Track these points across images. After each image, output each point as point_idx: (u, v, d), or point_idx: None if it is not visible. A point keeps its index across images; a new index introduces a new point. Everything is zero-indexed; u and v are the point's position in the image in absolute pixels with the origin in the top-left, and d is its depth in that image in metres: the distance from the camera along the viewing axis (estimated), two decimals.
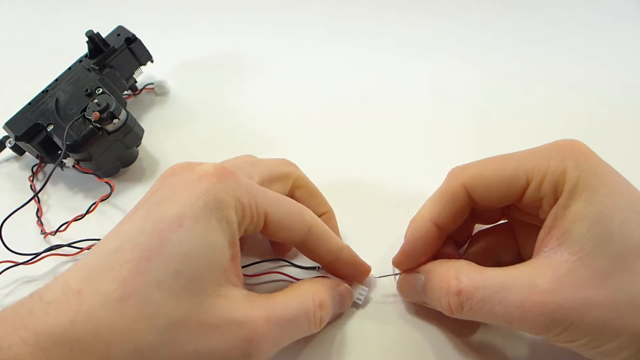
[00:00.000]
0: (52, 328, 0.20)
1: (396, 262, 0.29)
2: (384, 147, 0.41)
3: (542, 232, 0.25)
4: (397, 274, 0.30)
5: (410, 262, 0.29)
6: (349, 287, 0.30)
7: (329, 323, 0.29)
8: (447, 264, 0.27)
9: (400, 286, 0.30)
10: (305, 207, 0.28)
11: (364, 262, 0.31)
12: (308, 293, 0.27)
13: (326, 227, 0.29)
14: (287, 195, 0.29)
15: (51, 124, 0.37)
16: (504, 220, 0.30)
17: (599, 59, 0.48)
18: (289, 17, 0.55)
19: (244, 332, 0.23)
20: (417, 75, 0.47)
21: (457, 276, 0.25)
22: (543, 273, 0.23)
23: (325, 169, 0.36)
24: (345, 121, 0.44)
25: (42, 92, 0.40)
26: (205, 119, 0.45)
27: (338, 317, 0.31)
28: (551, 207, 0.24)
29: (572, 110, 0.43)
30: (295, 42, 0.52)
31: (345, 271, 0.30)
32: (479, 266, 0.25)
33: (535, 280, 0.23)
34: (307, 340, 0.30)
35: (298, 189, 0.32)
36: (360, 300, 0.31)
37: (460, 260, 0.27)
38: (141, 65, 0.45)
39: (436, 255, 0.29)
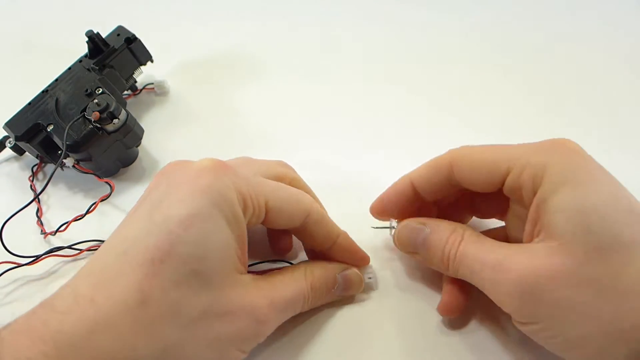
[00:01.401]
0: (71, 339, 0.21)
1: (372, 207, 0.31)
2: (383, 149, 0.41)
3: (527, 226, 0.25)
4: (393, 227, 0.31)
5: (382, 210, 0.31)
6: (356, 272, 0.30)
7: (337, 303, 0.31)
8: (452, 222, 0.29)
9: (400, 235, 0.30)
10: (303, 192, 0.29)
11: (362, 250, 0.31)
12: (302, 275, 0.28)
13: (324, 212, 0.30)
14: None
15: (51, 124, 0.37)
16: (499, 219, 0.31)
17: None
18: (289, 17, 0.55)
19: (255, 315, 0.25)
20: (416, 75, 0.47)
21: (464, 232, 0.27)
22: (525, 251, 0.24)
23: (324, 169, 0.36)
24: (346, 121, 0.44)
25: (42, 92, 0.40)
26: (205, 119, 0.45)
27: (348, 300, 0.31)
28: (530, 199, 0.25)
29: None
30: (294, 42, 0.52)
31: (344, 258, 0.30)
32: (481, 235, 0.27)
33: (518, 256, 0.24)
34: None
35: None
36: (371, 279, 0.31)
37: (464, 224, 0.28)
38: (141, 65, 0.45)
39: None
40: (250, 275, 0.26)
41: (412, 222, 0.29)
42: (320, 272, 0.29)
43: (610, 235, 0.23)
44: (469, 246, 0.26)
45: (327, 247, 0.30)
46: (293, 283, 0.28)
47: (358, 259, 0.31)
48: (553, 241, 0.23)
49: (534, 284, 0.23)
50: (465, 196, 0.30)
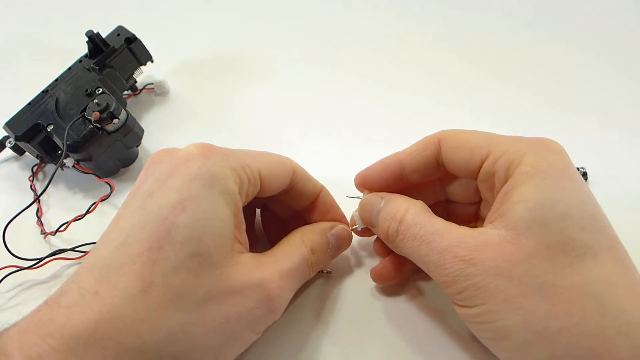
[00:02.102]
0: (78, 332, 0.21)
1: (356, 177, 0.31)
2: (385, 145, 0.41)
3: (489, 213, 0.26)
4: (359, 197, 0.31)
5: (365, 181, 0.31)
6: (345, 227, 0.31)
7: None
8: (408, 198, 0.28)
9: (360, 206, 0.31)
10: (282, 155, 0.29)
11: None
12: (300, 242, 0.29)
13: (304, 169, 0.30)
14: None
15: (51, 124, 0.37)
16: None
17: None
18: (288, 17, 0.55)
19: (264, 292, 0.25)
20: (416, 73, 0.47)
21: (408, 209, 0.27)
22: (475, 237, 0.24)
23: (325, 168, 0.36)
24: (346, 120, 0.44)
25: (42, 92, 0.40)
26: (205, 119, 0.45)
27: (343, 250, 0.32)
28: (500, 187, 0.25)
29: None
30: (294, 42, 0.52)
31: (328, 213, 0.31)
32: (432, 213, 0.27)
33: (466, 238, 0.24)
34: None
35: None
36: (357, 227, 0.31)
37: (420, 201, 0.28)
38: (141, 65, 0.45)
39: None
40: (250, 254, 0.26)
41: (373, 196, 0.30)
42: (315, 235, 0.29)
43: (564, 235, 0.22)
44: (417, 215, 0.26)
45: (313, 201, 0.31)
46: (294, 251, 0.28)
47: (340, 214, 0.32)
48: (507, 230, 0.23)
49: (477, 266, 0.23)
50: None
